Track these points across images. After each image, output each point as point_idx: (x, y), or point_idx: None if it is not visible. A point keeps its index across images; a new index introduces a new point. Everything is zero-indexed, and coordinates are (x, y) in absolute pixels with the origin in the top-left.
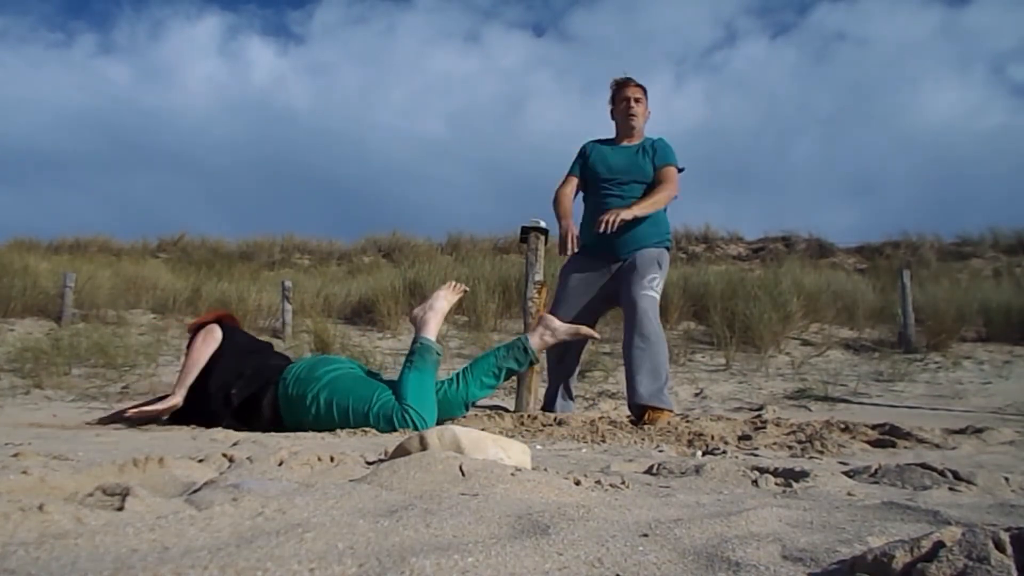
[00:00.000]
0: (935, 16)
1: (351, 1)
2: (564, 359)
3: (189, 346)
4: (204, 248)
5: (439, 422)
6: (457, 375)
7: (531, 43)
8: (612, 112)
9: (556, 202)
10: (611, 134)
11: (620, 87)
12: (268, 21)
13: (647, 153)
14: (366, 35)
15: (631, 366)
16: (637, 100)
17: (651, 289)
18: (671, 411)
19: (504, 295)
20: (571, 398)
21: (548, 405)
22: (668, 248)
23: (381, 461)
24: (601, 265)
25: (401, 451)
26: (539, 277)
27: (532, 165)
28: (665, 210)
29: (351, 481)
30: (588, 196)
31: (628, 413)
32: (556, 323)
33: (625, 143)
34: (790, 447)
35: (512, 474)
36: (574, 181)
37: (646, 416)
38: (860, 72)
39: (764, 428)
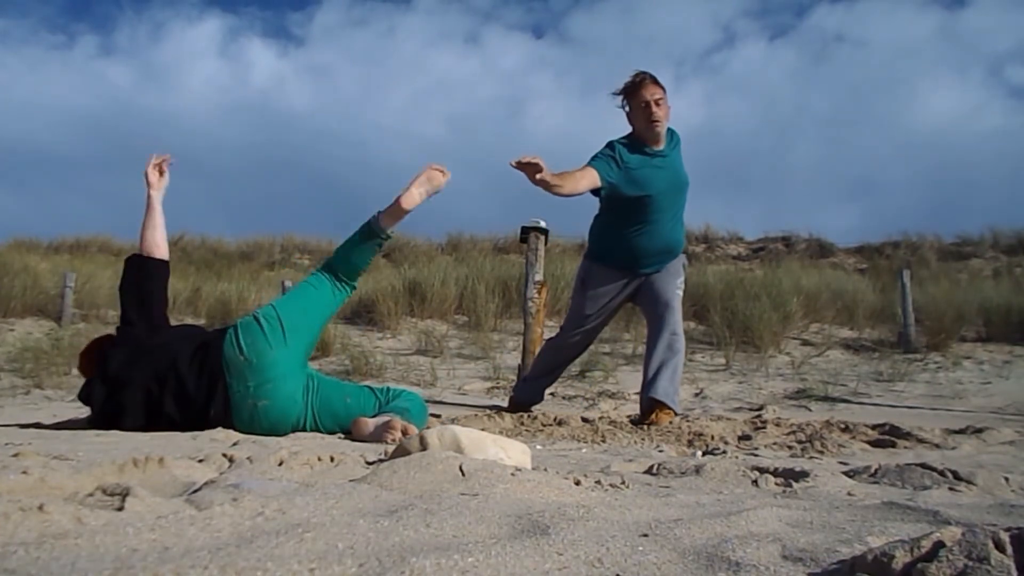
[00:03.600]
0: (933, 18)
1: (351, 3)
2: (555, 369)
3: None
4: (204, 248)
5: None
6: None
7: (531, 45)
8: (628, 115)
9: (562, 179)
10: (615, 132)
11: (636, 88)
12: (268, 23)
13: (678, 154)
14: (366, 37)
15: (656, 360)
16: (658, 102)
17: (680, 289)
18: (677, 414)
19: (504, 295)
20: (540, 398)
21: (524, 397)
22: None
23: (381, 461)
24: (626, 276)
25: (401, 451)
26: (539, 277)
27: None
28: None
29: (351, 481)
30: (622, 210)
31: (628, 413)
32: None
33: (653, 148)
34: (790, 447)
35: (512, 474)
36: (596, 179)
37: (653, 414)
38: (859, 73)
39: (764, 428)
